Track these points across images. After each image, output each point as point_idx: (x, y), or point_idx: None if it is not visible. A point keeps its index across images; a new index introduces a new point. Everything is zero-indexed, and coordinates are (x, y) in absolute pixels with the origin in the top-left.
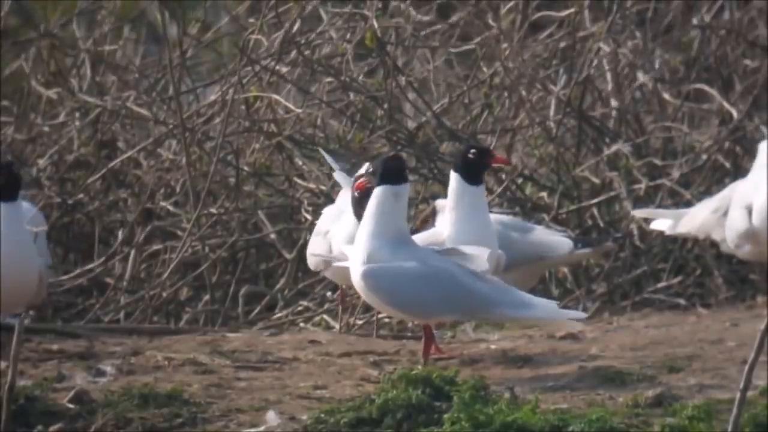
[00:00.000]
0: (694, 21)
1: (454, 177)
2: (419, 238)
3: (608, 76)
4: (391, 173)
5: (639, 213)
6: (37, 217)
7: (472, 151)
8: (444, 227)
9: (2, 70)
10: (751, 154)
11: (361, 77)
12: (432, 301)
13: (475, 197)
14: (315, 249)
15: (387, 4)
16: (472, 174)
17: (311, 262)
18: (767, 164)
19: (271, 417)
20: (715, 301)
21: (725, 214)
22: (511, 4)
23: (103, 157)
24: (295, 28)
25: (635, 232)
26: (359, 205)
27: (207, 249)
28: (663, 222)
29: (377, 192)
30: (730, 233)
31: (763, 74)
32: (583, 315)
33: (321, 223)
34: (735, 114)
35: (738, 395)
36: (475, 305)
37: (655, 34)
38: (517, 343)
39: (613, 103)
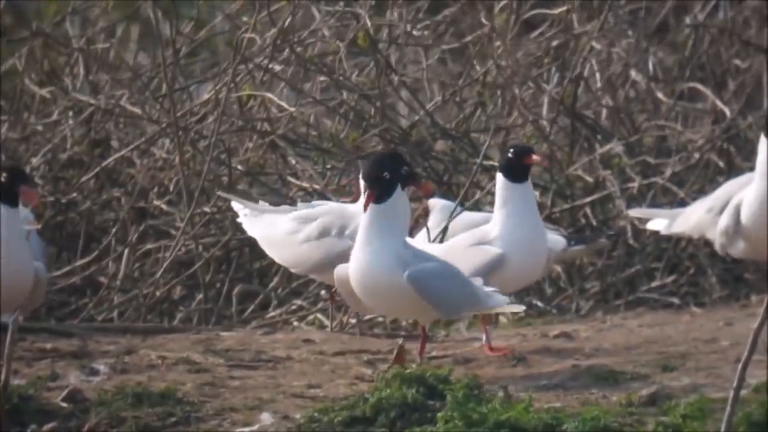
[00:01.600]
0: (687, 20)
1: (498, 177)
2: (467, 238)
3: (601, 74)
4: (407, 176)
5: (634, 213)
6: (27, 216)
7: (512, 150)
8: (494, 226)
9: None
10: (744, 152)
11: (354, 76)
12: (461, 297)
13: (520, 195)
14: (333, 249)
15: (379, 2)
16: (514, 172)
17: (315, 266)
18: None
19: (265, 416)
20: (709, 300)
21: (719, 213)
22: (504, 2)
23: (97, 155)
24: (287, 25)
25: (629, 230)
26: None
27: (200, 248)
28: (658, 222)
29: (398, 195)
30: (720, 230)
31: (756, 73)
32: (521, 308)
33: (324, 225)
34: (728, 113)
35: (732, 394)
36: (477, 300)
37: (648, 33)
38: (511, 342)
39: (606, 101)
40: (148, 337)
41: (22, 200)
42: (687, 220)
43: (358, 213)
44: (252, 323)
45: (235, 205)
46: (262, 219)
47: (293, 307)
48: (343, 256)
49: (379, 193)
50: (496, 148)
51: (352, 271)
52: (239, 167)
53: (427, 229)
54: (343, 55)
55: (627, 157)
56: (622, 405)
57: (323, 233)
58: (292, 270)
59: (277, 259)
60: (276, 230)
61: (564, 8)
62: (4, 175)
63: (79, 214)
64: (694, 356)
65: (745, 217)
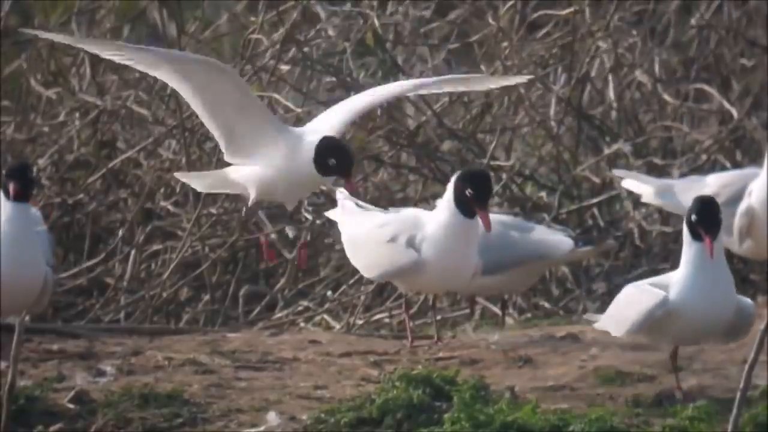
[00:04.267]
0: (693, 21)
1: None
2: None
3: (608, 75)
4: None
5: (618, 173)
6: (36, 216)
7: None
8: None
9: (2, 69)
10: (750, 153)
11: (361, 76)
12: None
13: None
14: (397, 258)
15: (385, 3)
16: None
17: (382, 273)
18: None
19: (272, 417)
20: None
21: (726, 204)
22: (510, 2)
23: (103, 156)
24: (293, 25)
25: (635, 231)
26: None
27: (207, 249)
28: (641, 187)
29: None
30: (741, 211)
31: (763, 74)
32: None
33: (394, 231)
34: (735, 114)
35: (738, 395)
36: None
37: (654, 33)
38: (518, 342)
39: (613, 101)
40: (154, 339)
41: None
42: (683, 197)
43: (429, 221)
44: (258, 324)
45: (340, 195)
46: (355, 216)
47: (300, 308)
48: (409, 267)
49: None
50: (502, 149)
51: (710, 308)
52: None
53: None
54: (350, 55)
55: (634, 157)
56: (629, 406)
57: (392, 239)
58: (365, 275)
59: (352, 261)
60: (357, 231)
61: (571, 9)
62: (16, 175)
63: (86, 215)
64: (701, 357)
65: (755, 200)
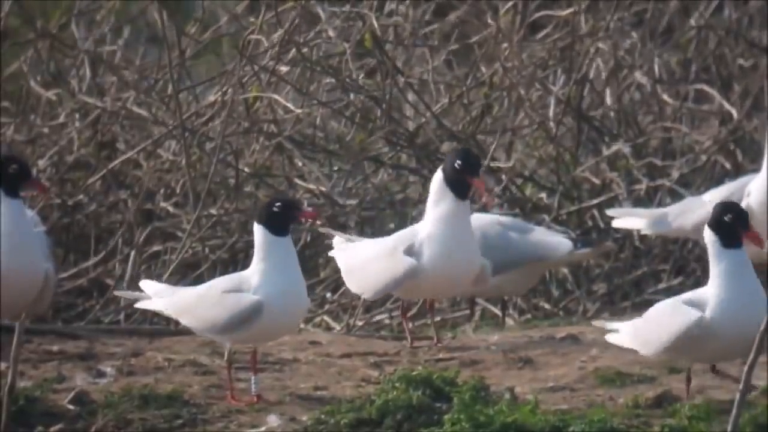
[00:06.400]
0: (692, 21)
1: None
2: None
3: (607, 76)
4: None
5: (610, 212)
6: (33, 218)
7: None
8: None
9: (2, 70)
10: (750, 154)
11: (360, 77)
12: None
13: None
14: (398, 267)
15: (384, 4)
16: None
17: (384, 287)
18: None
19: (272, 418)
20: None
21: None
22: (510, 4)
23: (103, 157)
24: (293, 27)
25: (635, 233)
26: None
27: (207, 250)
28: (635, 222)
29: None
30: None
31: (762, 74)
32: None
33: (393, 242)
34: (735, 114)
35: (738, 395)
36: None
37: (653, 34)
38: (517, 343)
39: (611, 102)
40: (154, 339)
41: (28, 190)
42: (681, 221)
43: (424, 226)
44: None
45: (337, 240)
46: (348, 249)
47: None
48: (409, 274)
49: None
50: (502, 150)
51: (749, 324)
52: (246, 169)
53: None
54: (349, 56)
55: (633, 158)
56: (629, 407)
57: (391, 251)
58: (365, 297)
59: (353, 288)
60: (356, 257)
61: (570, 10)
62: (11, 166)
63: (86, 216)
64: None
65: (753, 201)
